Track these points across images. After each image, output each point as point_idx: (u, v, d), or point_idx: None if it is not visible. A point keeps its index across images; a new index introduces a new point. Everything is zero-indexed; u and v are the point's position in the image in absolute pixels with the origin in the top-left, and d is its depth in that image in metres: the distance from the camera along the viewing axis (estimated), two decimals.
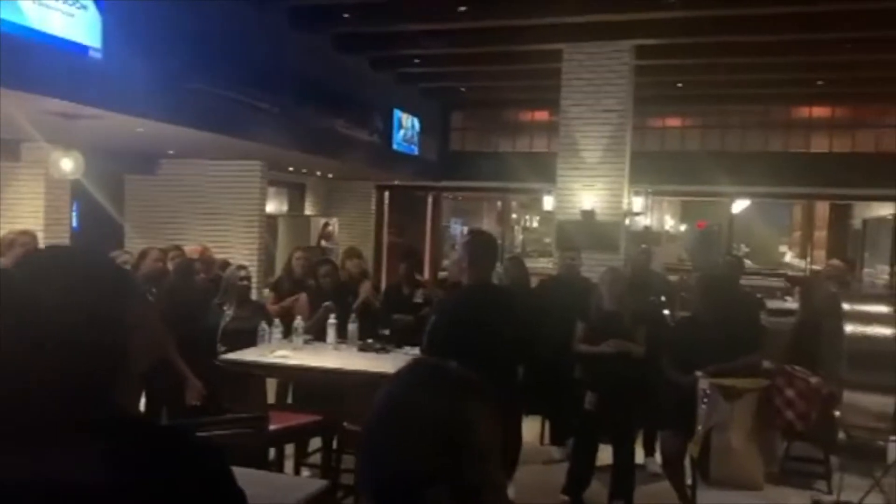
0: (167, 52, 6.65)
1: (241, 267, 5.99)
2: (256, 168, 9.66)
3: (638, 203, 11.02)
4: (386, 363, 4.99)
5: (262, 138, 8.22)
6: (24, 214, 7.93)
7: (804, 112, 13.23)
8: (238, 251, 9.29)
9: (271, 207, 11.74)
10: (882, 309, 3.53)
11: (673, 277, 8.82)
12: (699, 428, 3.80)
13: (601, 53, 9.06)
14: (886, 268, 11.82)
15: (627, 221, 10.08)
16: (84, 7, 5.81)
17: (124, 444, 1.02)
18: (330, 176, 12.75)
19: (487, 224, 17.87)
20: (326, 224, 12.58)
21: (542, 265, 12.06)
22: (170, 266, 5.91)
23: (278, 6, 8.54)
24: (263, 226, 9.95)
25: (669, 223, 19.39)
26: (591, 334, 4.82)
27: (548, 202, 11.09)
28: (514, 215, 18.57)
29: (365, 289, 6.36)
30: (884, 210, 12.46)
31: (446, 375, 1.19)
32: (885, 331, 3.52)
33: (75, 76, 5.75)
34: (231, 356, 5.00)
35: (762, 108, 13.13)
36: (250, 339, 5.36)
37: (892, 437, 3.43)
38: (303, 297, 6.10)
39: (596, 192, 9.14)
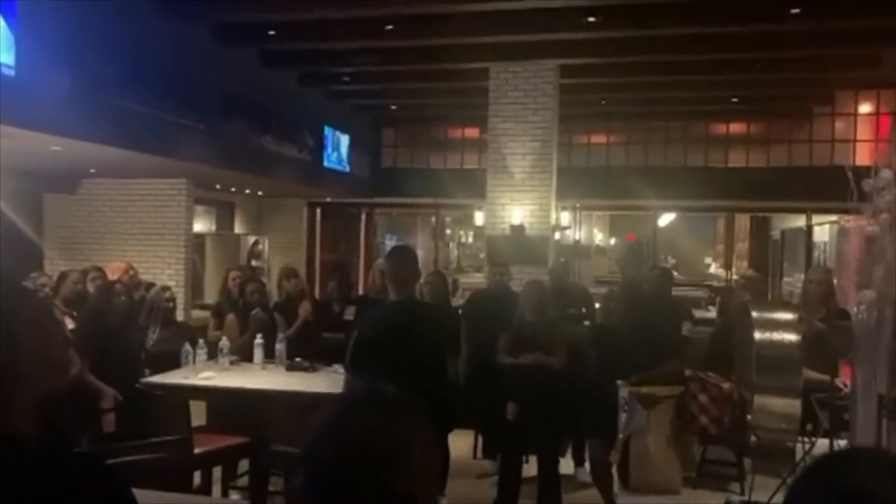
0: (86, 69, 6.48)
1: (165, 288, 5.88)
2: (182, 186, 9.46)
3: (566, 217, 11.26)
4: (315, 382, 4.97)
5: (187, 156, 8.08)
6: None
7: (722, 128, 13.78)
8: (164, 272, 9.07)
9: (199, 226, 11.51)
10: (787, 316, 3.71)
11: (603, 290, 9.03)
12: (620, 436, 3.91)
13: (527, 72, 9.26)
14: (802, 276, 12.35)
15: (557, 235, 10.29)
16: None
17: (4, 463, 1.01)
18: (260, 193, 12.59)
19: (422, 239, 17.90)
20: (256, 242, 12.40)
21: (478, 280, 12.17)
22: (90, 287, 5.75)
23: (203, 22, 8.43)
24: (190, 245, 9.74)
25: (599, 237, 19.84)
26: (514, 345, 4.90)
27: (479, 217, 11.22)
28: (448, 231, 18.69)
29: (304, 309, 6.31)
30: (800, 221, 13.05)
31: (381, 396, 1.25)
32: (789, 336, 3.69)
33: None
34: (154, 379, 4.90)
35: (682, 123, 13.61)
36: (176, 362, 5.26)
37: (799, 438, 3.59)
38: (230, 317, 6.02)
39: (525, 207, 9.30)
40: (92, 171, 9.13)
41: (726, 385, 3.76)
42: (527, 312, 4.93)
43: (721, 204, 13.21)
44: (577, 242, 13.48)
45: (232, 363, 5.37)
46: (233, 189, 11.72)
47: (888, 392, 3.15)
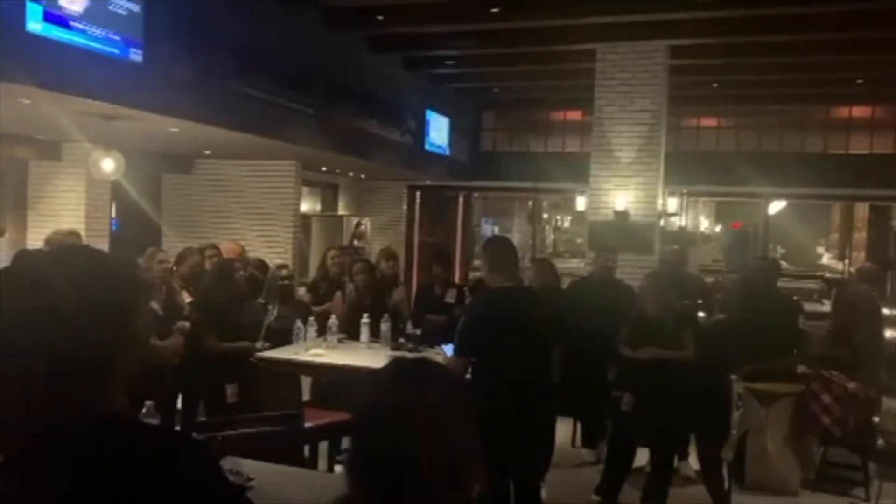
0: (204, 55, 6.76)
1: (282, 266, 6.09)
2: (291, 168, 9.77)
3: (672, 204, 10.92)
4: None
5: (296, 139, 8.31)
6: (64, 213, 8.13)
7: (843, 112, 12.96)
8: (274, 250, 9.40)
9: (305, 207, 11.86)
10: None
11: (708, 279, 8.71)
12: (734, 432, 3.77)
13: (635, 53, 9.00)
14: None
15: (662, 222, 10.00)
16: (127, 9, 5.94)
17: (103, 444, 1.03)
18: (362, 176, 12.83)
19: (518, 224, 17.82)
20: (359, 224, 12.67)
21: (574, 266, 12.00)
22: (207, 265, 6.02)
23: (313, 8, 8.62)
24: (298, 225, 10.06)
25: (704, 224, 19.14)
26: (634, 338, 4.78)
27: (580, 202, 11.03)
28: (545, 215, 18.50)
29: (398, 294, 6.40)
30: None
31: (429, 370, 1.30)
32: None
33: (115, 78, 5.87)
34: (267, 354, 5.08)
35: (799, 107, 12.89)
36: (289, 338, 5.45)
37: None
38: (337, 296, 6.18)
39: (629, 193, 9.08)
40: (207, 152, 9.55)
41: (852, 385, 3.55)
42: (648, 306, 4.77)
43: (840, 192, 12.47)
44: (682, 229, 13.04)
45: (340, 341, 5.51)
46: (337, 171, 11.99)
47: None
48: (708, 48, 9.50)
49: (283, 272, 5.70)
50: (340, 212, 13.28)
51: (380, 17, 8.76)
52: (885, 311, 3.57)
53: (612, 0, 7.96)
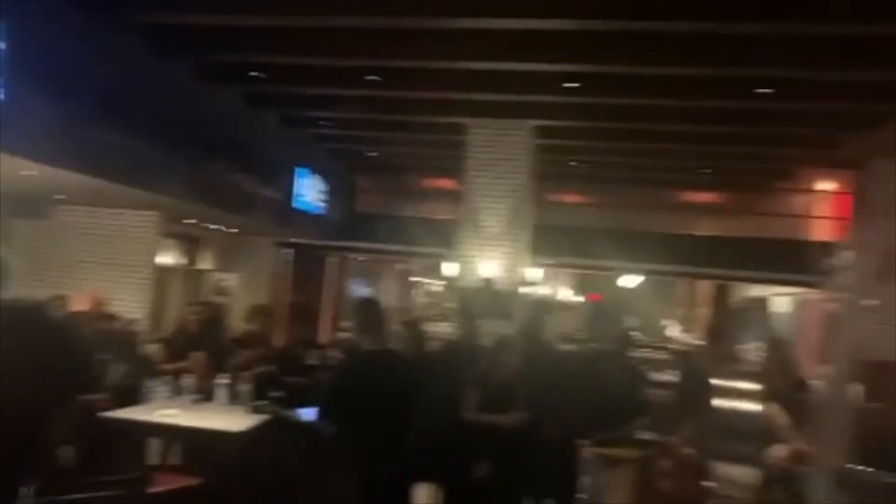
0: (69, 98, 6.49)
1: (131, 321, 5.81)
2: (152, 219, 9.39)
3: (536, 274, 11.38)
4: None
5: (162, 190, 8.06)
6: None
7: (691, 196, 14.16)
8: (128, 303, 8.92)
9: (166, 259, 11.39)
10: (749, 386, 3.80)
11: (569, 346, 9.09)
12: (581, 496, 3.93)
13: (503, 130, 9.48)
14: (760, 344, 12.57)
15: (526, 290, 10.38)
16: None
17: None
18: (231, 231, 12.53)
19: (389, 285, 17.88)
20: (222, 279, 12.29)
21: (443, 329, 12.16)
22: None
23: (188, 60, 8.51)
24: (155, 278, 9.63)
25: (565, 293, 19.99)
26: (485, 402, 4.91)
27: (448, 268, 11.28)
28: (416, 278, 18.69)
29: (260, 353, 6.22)
30: (760, 291, 13.35)
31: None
32: (751, 406, 3.77)
33: None
34: (114, 413, 4.80)
35: (652, 190, 13.97)
36: (136, 397, 5.17)
37: None
38: (198, 355, 5.93)
39: (496, 262, 9.41)
40: (61, 197, 9.04)
41: (688, 451, 3.82)
42: (498, 369, 4.94)
43: (685, 270, 13.48)
44: (544, 298, 13.59)
45: (194, 402, 5.29)
46: (204, 225, 11.65)
47: (843, 467, 3.24)
48: (571, 130, 10.16)
49: (133, 327, 5.44)
50: (202, 265, 12.84)
51: (255, 74, 8.76)
52: (716, 382, 3.89)
53: (483, 79, 8.38)
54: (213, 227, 12.02)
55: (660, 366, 11.88)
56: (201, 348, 5.98)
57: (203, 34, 7.80)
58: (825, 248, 3.54)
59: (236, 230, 12.08)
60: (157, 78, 7.91)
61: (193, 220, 10.94)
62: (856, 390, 3.36)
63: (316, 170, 12.32)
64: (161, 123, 7.83)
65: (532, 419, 5.03)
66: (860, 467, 3.36)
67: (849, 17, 6.14)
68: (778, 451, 3.90)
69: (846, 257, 3.38)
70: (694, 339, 15.42)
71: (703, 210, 14.05)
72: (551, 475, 5.20)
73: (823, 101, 8.26)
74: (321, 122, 11.27)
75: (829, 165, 12.22)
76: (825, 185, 12.96)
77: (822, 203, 12.99)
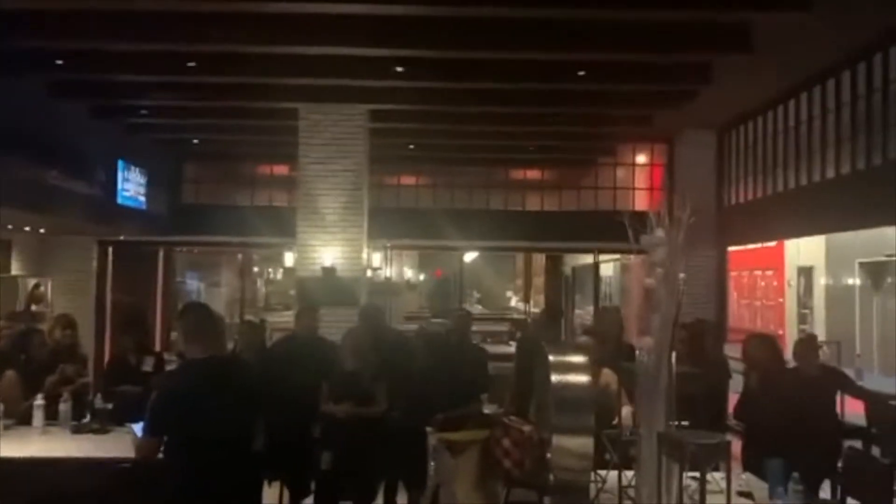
0: None
1: None
2: None
3: (377, 258, 11.40)
4: (106, 446, 4.57)
5: None
6: None
7: (520, 174, 14.74)
8: None
9: None
10: (579, 359, 3.98)
11: (413, 326, 9.20)
12: (429, 483, 3.99)
13: (337, 115, 9.35)
14: (592, 308, 13.39)
15: (368, 274, 10.36)
16: None
17: None
18: (42, 231, 11.47)
19: (227, 277, 17.22)
20: (38, 285, 11.25)
21: (287, 319, 11.88)
22: None
23: None
24: None
25: (409, 273, 20.23)
26: (335, 394, 4.87)
27: (289, 258, 11.03)
28: (255, 269, 18.13)
29: (73, 368, 5.73)
30: (588, 259, 14.19)
31: None
32: (582, 378, 3.96)
33: None
34: None
35: (485, 169, 14.39)
36: None
37: (593, 476, 3.85)
38: (9, 374, 5.35)
39: (336, 248, 9.30)
40: None
41: (527, 428, 3.97)
42: (346, 361, 4.91)
43: (518, 244, 14.06)
44: (388, 280, 13.65)
45: (7, 427, 4.80)
46: (10, 227, 10.58)
47: (665, 430, 3.50)
48: (405, 113, 10.20)
49: None
50: (14, 272, 11.67)
51: (59, 62, 8.02)
52: (551, 357, 4.05)
53: (314, 64, 8.18)
54: (26, 228, 10.97)
55: (502, 337, 12.38)
56: (14, 367, 5.42)
57: None
58: (642, 218, 3.76)
59: (43, 230, 11.08)
60: None
61: None
62: (672, 357, 3.62)
63: (138, 161, 11.55)
64: None
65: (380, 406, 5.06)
66: (679, 427, 3.65)
67: (659, 4, 6.62)
68: (614, 416, 4.15)
69: (659, 235, 3.62)
70: (532, 308, 16.18)
71: (532, 186, 14.68)
72: (402, 461, 5.25)
73: (637, 82, 8.83)
74: (140, 112, 10.54)
75: (645, 140, 13.15)
76: (641, 158, 13.94)
77: (641, 175, 13.97)
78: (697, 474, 3.30)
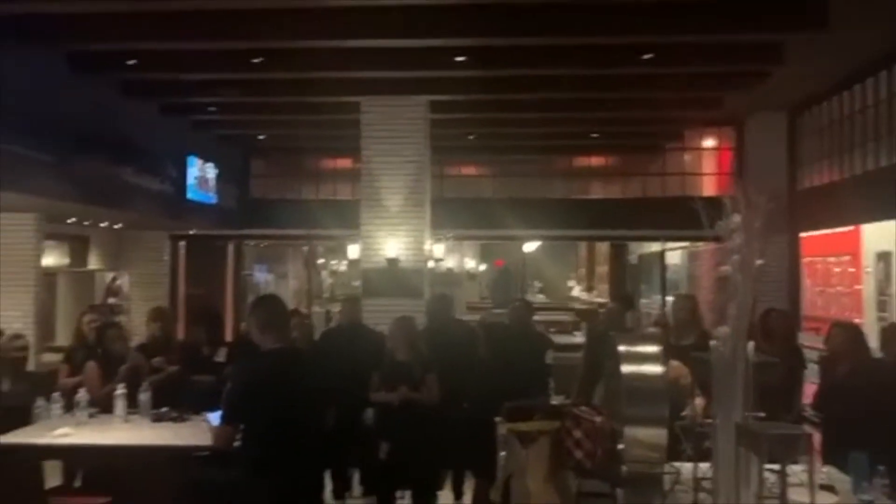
0: None
1: (17, 336, 5.42)
2: (30, 221, 8.78)
3: (440, 249, 11.42)
4: (183, 434, 4.72)
5: (34, 190, 7.53)
6: None
7: (583, 161, 14.54)
8: (10, 313, 8.33)
9: (49, 261, 10.70)
10: (651, 349, 3.90)
11: (475, 315, 9.20)
12: (500, 474, 3.98)
13: (398, 106, 9.37)
14: (658, 298, 13.13)
15: (430, 265, 10.39)
16: None
17: None
18: (118, 226, 11.89)
19: (293, 269, 17.54)
20: (115, 279, 11.68)
21: None
22: None
23: (57, 49, 7.94)
24: (40, 284, 9.03)
25: (470, 264, 20.22)
26: (384, 384, 4.92)
27: (352, 250, 11.15)
28: (321, 260, 18.41)
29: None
30: (655, 247, 13.92)
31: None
32: (654, 368, 3.88)
33: None
34: (1, 439, 4.47)
35: (547, 157, 14.24)
36: (27, 417, 4.84)
37: (666, 467, 3.78)
38: (90, 365, 5.58)
39: (399, 240, 9.35)
40: None
41: (598, 418, 3.91)
42: (397, 351, 4.95)
43: (582, 233, 13.89)
44: (449, 271, 13.70)
45: (91, 416, 5.00)
46: (87, 223, 11.01)
47: (742, 421, 3.39)
48: (465, 103, 10.17)
49: (19, 342, 5.08)
50: (92, 266, 12.15)
51: (131, 62, 8.27)
52: (622, 348, 3.98)
53: (375, 56, 8.23)
54: (103, 224, 11.41)
55: (566, 327, 12.26)
56: (100, 357, 5.64)
57: (71, 22, 7.28)
58: (712, 204, 3.65)
59: (118, 226, 11.48)
60: (22, 71, 7.34)
61: (73, 220, 10.33)
62: (750, 346, 3.50)
63: (207, 157, 11.85)
64: (29, 119, 7.29)
65: (442, 395, 5.07)
66: (757, 418, 3.54)
67: None
68: (684, 409, 4.06)
69: (736, 221, 3.50)
70: (596, 298, 15.96)
71: (596, 174, 14.47)
72: (469, 452, 5.26)
73: (705, 64, 8.58)
74: (208, 109, 10.80)
75: (713, 123, 12.79)
76: (710, 142, 13.57)
77: (709, 160, 13.61)
78: (776, 467, 3.20)
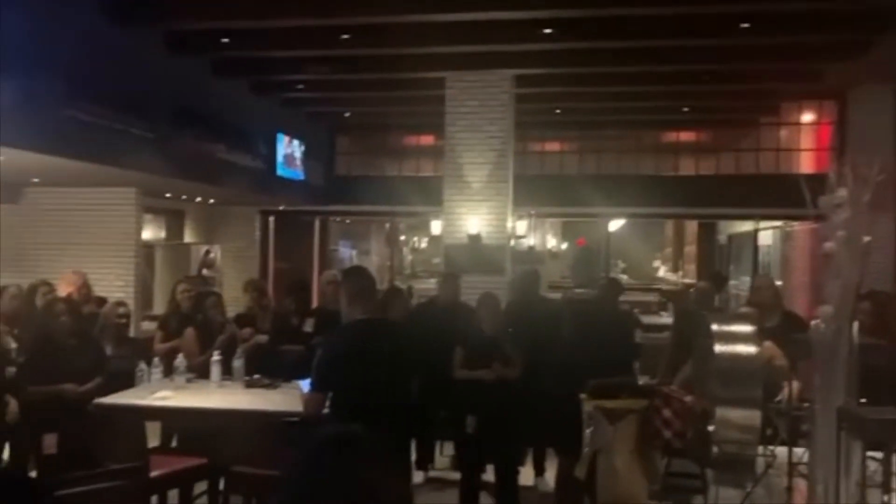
0: (31, 77, 6.26)
1: (119, 304, 5.71)
2: (130, 195, 9.20)
3: (522, 226, 11.33)
4: (275, 400, 4.87)
5: (135, 165, 7.88)
6: None
7: (672, 137, 14.08)
8: (112, 283, 8.79)
9: (148, 235, 11.23)
10: (745, 329, 3.77)
11: (556, 295, 9.10)
12: (585, 450, 3.93)
13: (483, 81, 9.29)
14: (748, 279, 12.65)
15: (512, 243, 10.34)
16: None
17: None
18: (211, 202, 12.35)
19: (376, 245, 17.82)
20: (208, 252, 12.15)
21: (431, 286, 12.15)
22: (39, 303, 5.56)
23: (154, 30, 8.25)
24: (140, 255, 9.49)
25: (551, 242, 20.01)
26: (470, 359, 4.93)
27: (435, 226, 11.21)
28: (402, 237, 18.62)
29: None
30: (746, 226, 13.40)
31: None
32: (749, 349, 3.75)
33: None
34: (106, 400, 4.74)
35: (634, 132, 13.86)
36: (130, 381, 5.11)
37: (760, 450, 3.65)
38: (189, 332, 5.84)
39: (481, 216, 9.32)
40: (35, 180, 8.83)
41: (689, 398, 3.81)
42: (484, 325, 4.94)
43: (669, 211, 13.49)
44: (531, 249, 13.58)
45: (189, 381, 5.23)
46: (183, 197, 11.47)
47: (845, 405, 3.23)
48: (551, 77, 9.98)
49: (121, 310, 5.35)
50: (187, 239, 12.68)
51: (224, 41, 8.51)
52: (714, 327, 3.86)
53: (460, 31, 8.17)
54: (197, 199, 11.87)
55: (651, 308, 11.99)
56: (195, 326, 5.90)
57: (168, 4, 7.54)
58: (810, 180, 3.46)
59: (212, 201, 11.91)
60: (121, 50, 7.66)
61: (168, 195, 10.77)
62: (854, 327, 3.33)
63: (294, 134, 12.11)
64: (127, 96, 7.62)
65: (527, 371, 5.06)
66: (860, 404, 3.36)
67: None
68: (778, 392, 3.90)
69: (841, 196, 3.31)
70: (683, 278, 15.53)
71: (686, 149, 13.99)
72: (554, 428, 5.22)
73: (802, 34, 8.13)
74: (296, 86, 11.02)
75: (812, 97, 12.15)
76: (808, 117, 12.91)
77: (806, 135, 12.95)
78: (880, 454, 3.04)
